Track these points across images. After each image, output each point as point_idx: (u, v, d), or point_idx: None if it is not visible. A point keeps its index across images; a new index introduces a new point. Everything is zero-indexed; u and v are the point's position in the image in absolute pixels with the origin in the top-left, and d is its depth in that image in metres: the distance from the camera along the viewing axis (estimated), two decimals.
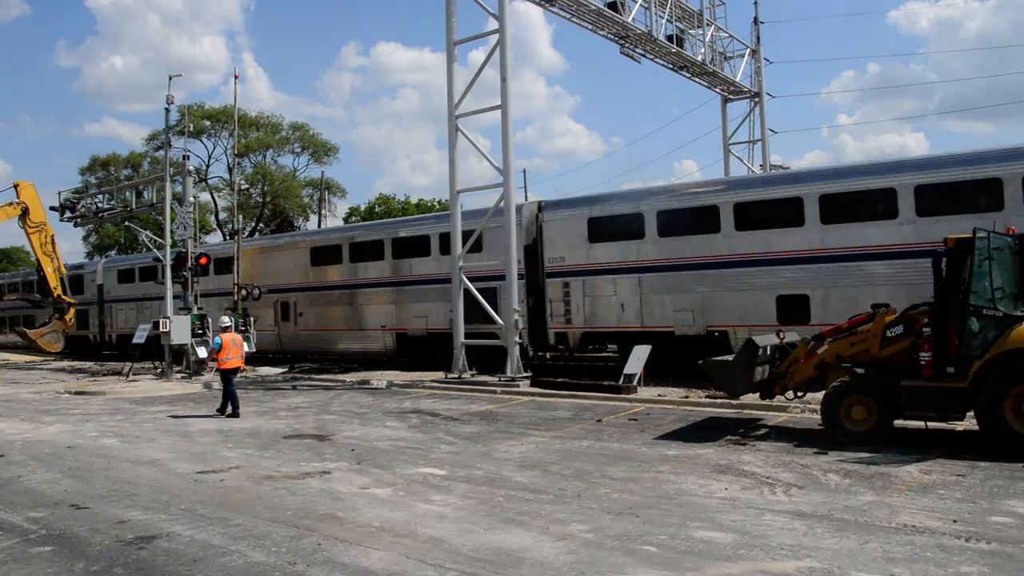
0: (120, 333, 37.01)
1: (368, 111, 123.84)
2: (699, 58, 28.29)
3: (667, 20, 26.46)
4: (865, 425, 10.99)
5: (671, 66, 28.45)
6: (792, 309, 18.21)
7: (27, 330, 33.99)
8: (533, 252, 22.85)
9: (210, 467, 10.65)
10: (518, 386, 18.95)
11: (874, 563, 6.22)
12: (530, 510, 8.04)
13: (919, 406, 10.76)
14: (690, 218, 20.12)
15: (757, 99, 32.09)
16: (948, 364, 10.70)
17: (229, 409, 15.84)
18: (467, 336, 21.15)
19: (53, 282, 31.21)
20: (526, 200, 29.89)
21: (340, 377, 23.65)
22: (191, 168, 27.38)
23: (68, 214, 31.85)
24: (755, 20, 32.39)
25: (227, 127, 52.18)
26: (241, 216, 34.38)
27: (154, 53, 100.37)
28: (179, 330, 23.97)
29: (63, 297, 31.86)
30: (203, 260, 25.39)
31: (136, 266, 37.59)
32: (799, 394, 12.91)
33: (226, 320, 17.17)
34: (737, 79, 30.79)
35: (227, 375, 16.03)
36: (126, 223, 40.19)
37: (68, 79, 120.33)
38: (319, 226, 52.12)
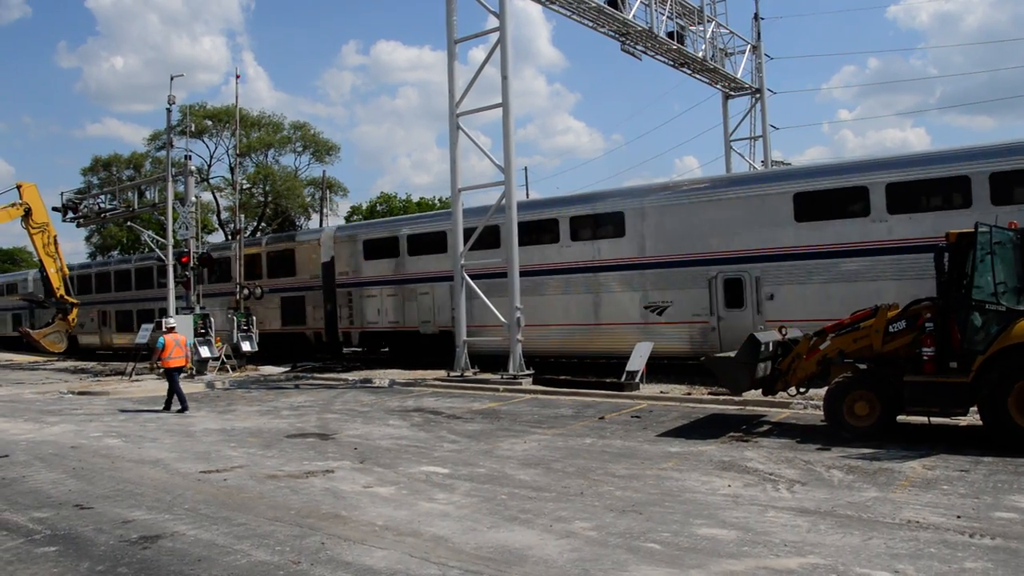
0: (368, 330, 27.14)
1: (368, 110, 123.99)
2: (700, 55, 28.20)
3: (667, 17, 26.39)
4: (868, 421, 10.98)
5: (672, 63, 28.37)
6: None
7: (30, 330, 34.05)
8: None
9: (213, 467, 10.67)
10: (520, 384, 18.96)
11: (878, 559, 6.22)
12: (533, 508, 8.04)
13: (922, 401, 10.74)
14: None
15: (758, 95, 32.01)
16: (951, 359, 10.68)
17: (178, 406, 16.72)
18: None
19: (56, 282, 31.29)
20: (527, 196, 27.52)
21: (343, 376, 23.65)
22: (193, 168, 27.43)
23: (71, 215, 31.97)
24: (755, 16, 32.30)
25: (228, 127, 52.13)
26: (243, 215, 34.24)
27: (154, 53, 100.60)
28: (182, 330, 24.02)
29: (66, 297, 31.93)
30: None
31: (400, 233, 26.49)
32: (801, 390, 12.89)
33: (171, 321, 18.46)
34: (738, 75, 30.70)
35: (169, 373, 17.03)
36: (128, 223, 40.19)
37: (69, 80, 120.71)
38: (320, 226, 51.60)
